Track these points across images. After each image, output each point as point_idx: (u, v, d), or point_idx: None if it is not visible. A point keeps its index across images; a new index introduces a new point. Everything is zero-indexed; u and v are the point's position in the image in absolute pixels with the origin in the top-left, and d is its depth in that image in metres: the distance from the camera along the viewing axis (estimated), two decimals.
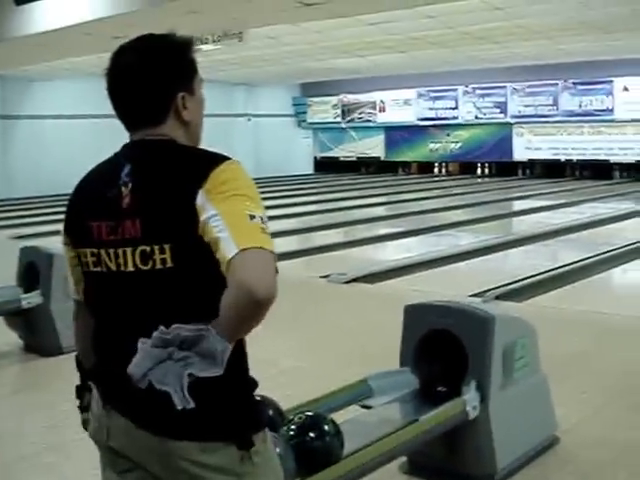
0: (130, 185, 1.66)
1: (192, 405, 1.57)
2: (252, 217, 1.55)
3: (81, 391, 1.87)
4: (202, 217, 1.56)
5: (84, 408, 1.85)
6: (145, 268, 1.63)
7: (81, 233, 1.74)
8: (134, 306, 1.67)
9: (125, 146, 1.76)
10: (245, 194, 1.59)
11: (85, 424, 1.85)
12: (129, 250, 1.65)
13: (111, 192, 1.68)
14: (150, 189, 1.65)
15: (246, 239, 1.53)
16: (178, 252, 1.60)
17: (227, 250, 1.52)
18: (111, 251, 1.68)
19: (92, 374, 1.81)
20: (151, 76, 1.71)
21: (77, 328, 1.89)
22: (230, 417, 1.65)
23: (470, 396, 3.26)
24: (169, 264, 1.61)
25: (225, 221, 1.54)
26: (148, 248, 1.62)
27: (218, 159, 1.64)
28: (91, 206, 1.73)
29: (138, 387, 1.60)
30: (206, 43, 12.83)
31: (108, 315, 1.74)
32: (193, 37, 1.80)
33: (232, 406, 1.65)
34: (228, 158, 1.65)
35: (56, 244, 6.19)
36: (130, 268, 1.65)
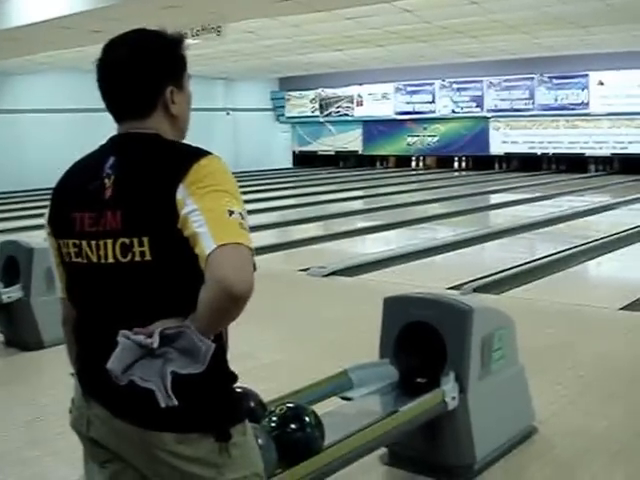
0: (113, 177, 1.68)
1: (175, 403, 1.55)
2: (231, 213, 1.57)
3: None
4: (182, 212, 1.58)
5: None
6: (124, 260, 1.64)
7: (64, 224, 1.75)
8: (113, 298, 1.68)
9: (111, 139, 1.78)
10: (225, 189, 1.61)
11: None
12: (110, 242, 1.66)
13: (94, 184, 1.70)
14: (132, 182, 1.66)
15: (224, 235, 1.54)
16: (156, 245, 1.61)
17: (205, 245, 1.54)
18: (92, 242, 1.69)
19: (74, 364, 1.83)
20: (141, 70, 1.73)
21: (63, 321, 1.89)
22: (209, 410, 1.66)
23: (449, 387, 3.29)
24: (147, 257, 1.62)
25: (204, 216, 1.56)
26: (127, 240, 1.63)
27: (199, 154, 1.66)
28: (74, 197, 1.74)
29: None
30: (185, 37, 12.80)
31: (88, 306, 1.76)
32: (183, 34, 1.82)
33: (211, 399, 1.67)
34: (209, 153, 1.67)
35: (36, 238, 6.17)
36: (110, 260, 1.66)
